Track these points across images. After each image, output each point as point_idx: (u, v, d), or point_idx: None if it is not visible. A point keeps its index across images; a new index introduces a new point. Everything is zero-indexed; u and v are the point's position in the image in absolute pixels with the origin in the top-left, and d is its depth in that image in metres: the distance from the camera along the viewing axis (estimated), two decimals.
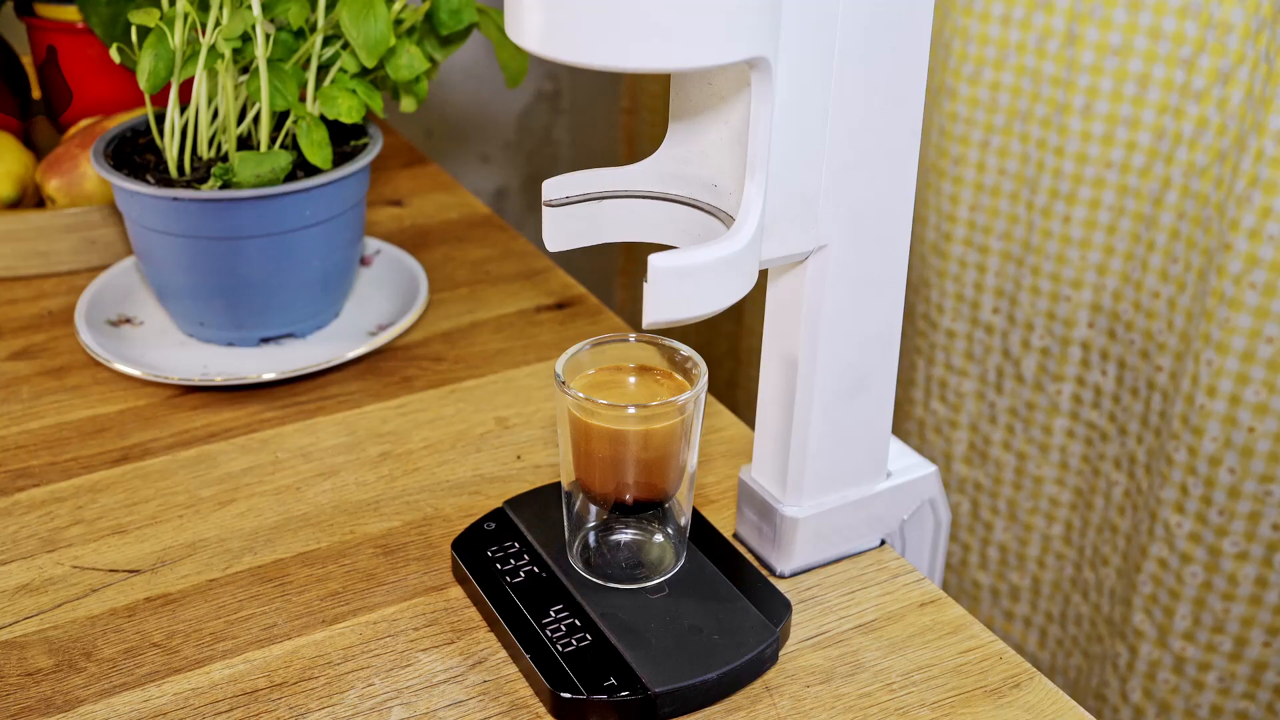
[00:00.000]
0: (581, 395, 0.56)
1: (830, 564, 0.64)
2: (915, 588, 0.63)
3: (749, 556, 0.64)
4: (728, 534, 0.66)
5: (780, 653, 0.58)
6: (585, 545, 0.61)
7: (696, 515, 0.65)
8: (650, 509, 0.60)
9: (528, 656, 0.56)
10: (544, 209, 0.56)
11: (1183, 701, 1.01)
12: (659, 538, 0.62)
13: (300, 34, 0.77)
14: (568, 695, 0.54)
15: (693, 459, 0.59)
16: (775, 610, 0.58)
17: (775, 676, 0.57)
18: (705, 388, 0.58)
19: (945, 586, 1.22)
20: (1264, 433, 0.91)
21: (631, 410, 0.55)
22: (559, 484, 0.67)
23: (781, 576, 0.63)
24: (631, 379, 0.60)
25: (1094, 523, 1.08)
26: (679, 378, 0.59)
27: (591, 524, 0.61)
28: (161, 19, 0.74)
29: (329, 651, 0.59)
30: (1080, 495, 1.10)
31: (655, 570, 0.60)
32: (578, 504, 0.60)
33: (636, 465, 0.57)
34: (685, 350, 0.59)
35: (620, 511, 0.60)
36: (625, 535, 0.62)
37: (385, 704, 0.56)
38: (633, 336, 0.60)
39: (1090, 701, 1.09)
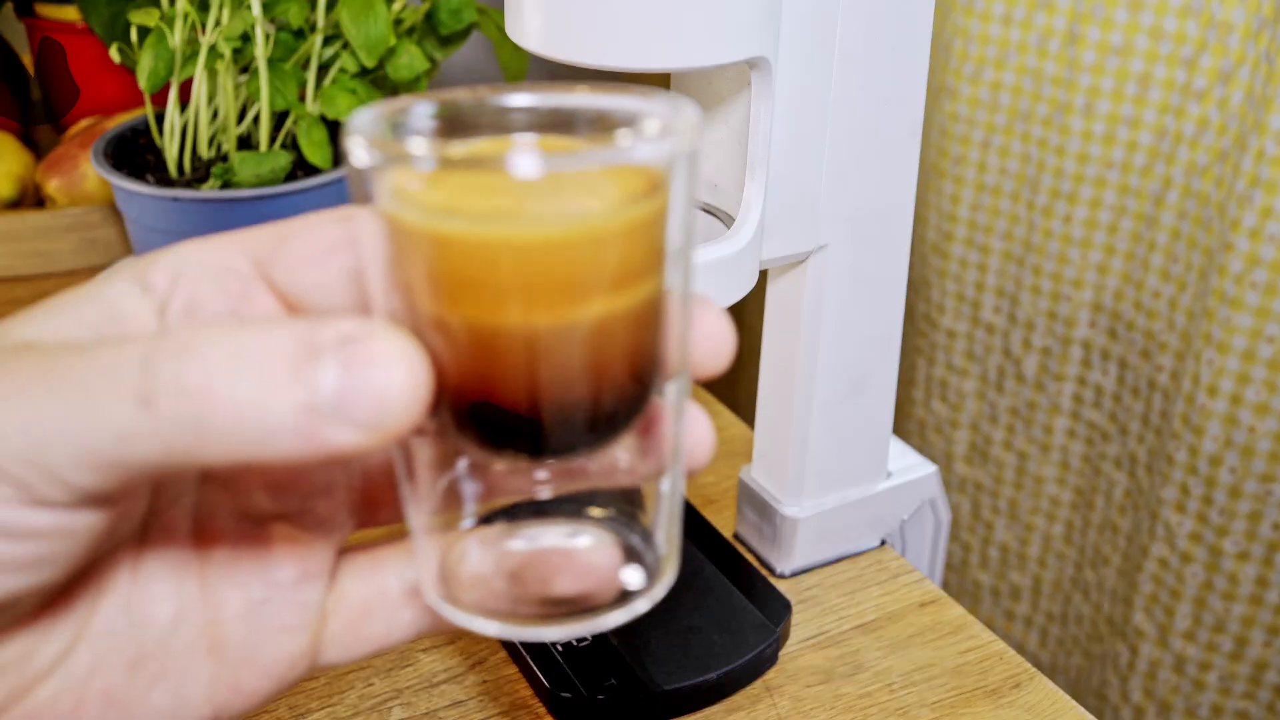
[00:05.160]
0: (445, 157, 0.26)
1: (830, 564, 0.64)
2: (915, 588, 0.62)
3: (749, 556, 0.64)
4: (728, 534, 0.66)
5: (780, 653, 0.58)
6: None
7: (696, 515, 0.65)
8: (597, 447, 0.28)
9: (528, 656, 0.56)
10: None
11: (1183, 701, 1.01)
12: (632, 543, 0.30)
13: (300, 34, 0.77)
14: (568, 695, 0.54)
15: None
16: (775, 610, 0.58)
17: (775, 676, 0.57)
18: (694, 147, 0.26)
19: (945, 586, 1.22)
20: (1265, 432, 0.91)
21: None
22: None
23: (781, 576, 0.63)
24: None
25: (1095, 522, 1.08)
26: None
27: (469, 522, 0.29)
28: (161, 19, 0.74)
29: None
30: (1081, 495, 1.10)
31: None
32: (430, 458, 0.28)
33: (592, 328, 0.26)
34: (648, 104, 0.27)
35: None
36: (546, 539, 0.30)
37: (385, 704, 0.55)
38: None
39: (1091, 701, 1.09)
